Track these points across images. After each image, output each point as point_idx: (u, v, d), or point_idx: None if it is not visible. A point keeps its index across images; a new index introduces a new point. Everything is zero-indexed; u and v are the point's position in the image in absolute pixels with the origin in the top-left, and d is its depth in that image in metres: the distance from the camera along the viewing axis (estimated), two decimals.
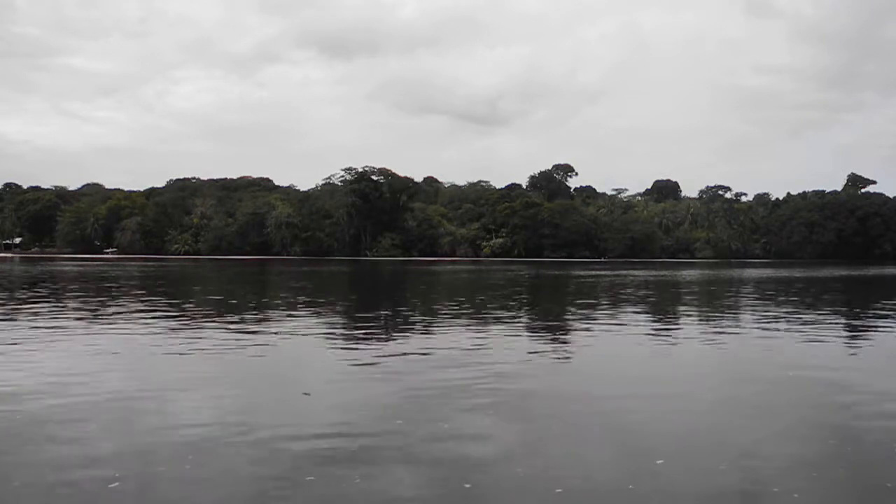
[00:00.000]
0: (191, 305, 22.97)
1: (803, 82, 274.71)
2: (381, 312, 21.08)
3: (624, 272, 56.72)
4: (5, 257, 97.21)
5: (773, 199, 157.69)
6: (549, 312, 22.59)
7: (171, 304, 22.52)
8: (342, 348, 13.54)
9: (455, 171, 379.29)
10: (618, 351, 13.33)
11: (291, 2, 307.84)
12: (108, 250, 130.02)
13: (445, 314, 20.29)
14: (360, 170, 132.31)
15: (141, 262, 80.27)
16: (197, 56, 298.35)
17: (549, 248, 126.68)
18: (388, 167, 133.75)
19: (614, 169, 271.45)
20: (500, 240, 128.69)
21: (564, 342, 14.73)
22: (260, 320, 18.27)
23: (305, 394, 9.06)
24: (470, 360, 11.65)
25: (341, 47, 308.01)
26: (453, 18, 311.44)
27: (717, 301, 27.45)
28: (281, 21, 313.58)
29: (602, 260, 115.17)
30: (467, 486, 5.62)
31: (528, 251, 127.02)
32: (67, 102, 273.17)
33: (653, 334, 16.01)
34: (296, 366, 11.67)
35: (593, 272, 56.80)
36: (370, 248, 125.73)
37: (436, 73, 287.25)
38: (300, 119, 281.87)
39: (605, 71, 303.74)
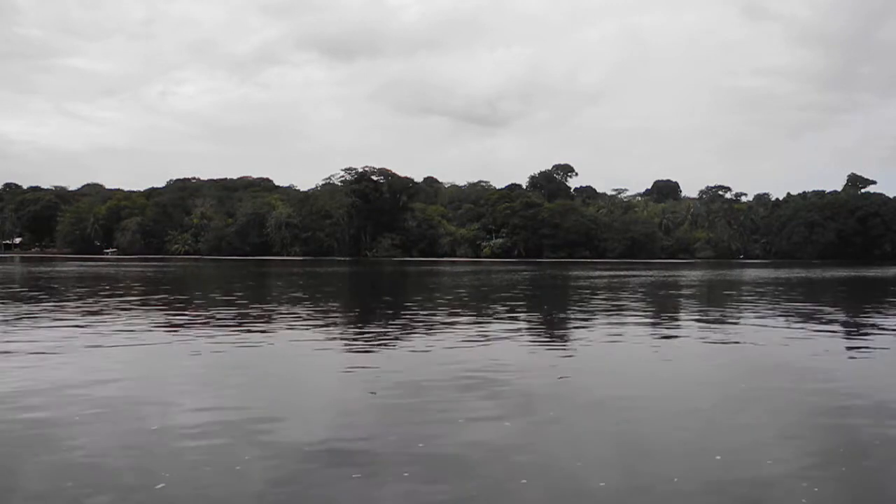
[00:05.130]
0: (201, 307, 22.97)
1: (802, 84, 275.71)
2: (384, 313, 21.07)
3: (635, 273, 56.75)
4: (5, 258, 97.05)
5: (773, 199, 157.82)
6: (555, 313, 22.58)
7: (185, 306, 22.50)
8: (347, 349, 13.52)
9: (455, 171, 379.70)
10: (623, 352, 13.36)
11: (293, 4, 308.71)
12: (108, 250, 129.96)
13: (447, 315, 20.29)
14: (360, 170, 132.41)
15: (143, 262, 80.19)
16: (199, 57, 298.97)
17: (549, 248, 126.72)
18: (388, 167, 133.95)
19: (614, 169, 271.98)
20: (500, 240, 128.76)
21: (572, 343, 14.72)
22: (266, 321, 18.26)
23: (371, 392, 9.10)
24: (484, 361, 11.68)
25: (343, 49, 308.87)
26: (455, 20, 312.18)
27: (720, 301, 27.49)
28: (283, 23, 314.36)
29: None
30: (523, 481, 5.72)
31: (528, 251, 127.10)
32: (70, 103, 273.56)
33: (657, 335, 16.05)
34: (315, 369, 11.65)
35: (607, 273, 56.81)
36: (370, 249, 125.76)
37: (437, 74, 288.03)
38: (301, 120, 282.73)
39: (605, 72, 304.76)
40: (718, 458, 6.37)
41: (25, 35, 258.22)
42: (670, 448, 6.78)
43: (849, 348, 14.25)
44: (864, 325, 18.39)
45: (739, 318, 20.12)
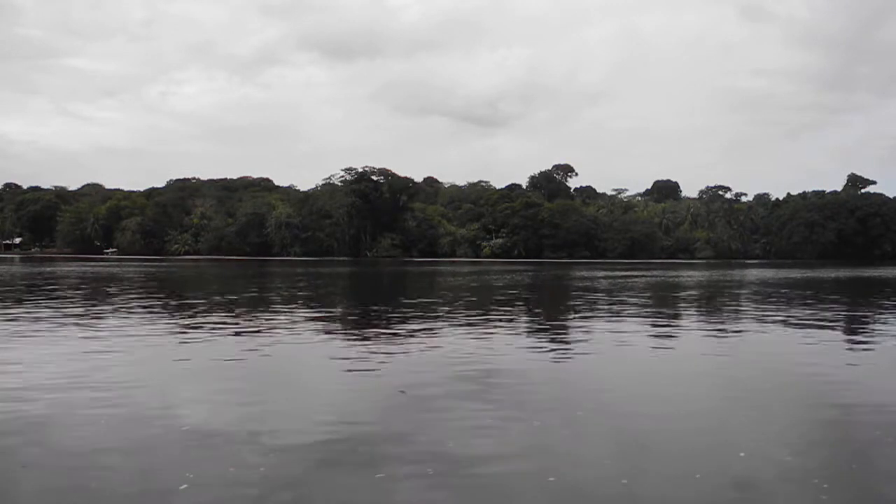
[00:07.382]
0: (205, 307, 22.96)
1: (801, 84, 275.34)
2: (391, 314, 21.04)
3: (638, 273, 56.74)
4: (5, 258, 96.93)
5: (773, 199, 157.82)
6: (554, 313, 22.56)
7: (191, 306, 22.46)
8: (360, 350, 13.51)
9: (455, 171, 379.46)
10: (633, 353, 13.37)
11: (294, 4, 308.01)
12: (108, 250, 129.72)
13: (452, 315, 20.26)
14: (360, 170, 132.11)
15: (145, 262, 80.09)
16: (199, 57, 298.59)
17: (550, 248, 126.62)
18: (388, 167, 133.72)
19: (614, 169, 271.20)
20: (500, 240, 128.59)
21: (580, 345, 14.70)
22: (267, 322, 18.23)
23: (401, 391, 9.07)
24: (495, 362, 11.68)
25: (343, 49, 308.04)
26: (455, 21, 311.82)
27: (724, 302, 27.48)
28: (283, 24, 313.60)
29: None
30: (551, 479, 5.77)
31: (528, 251, 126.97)
32: (70, 103, 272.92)
33: (665, 336, 16.06)
34: (334, 371, 11.63)
35: (610, 273, 56.80)
36: (370, 249, 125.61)
37: (437, 74, 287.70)
38: (301, 120, 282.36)
39: (605, 72, 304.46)
40: (742, 454, 6.42)
41: (25, 35, 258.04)
42: (690, 447, 6.81)
43: (852, 344, 14.33)
44: (866, 326, 18.40)
45: (744, 318, 20.12)
